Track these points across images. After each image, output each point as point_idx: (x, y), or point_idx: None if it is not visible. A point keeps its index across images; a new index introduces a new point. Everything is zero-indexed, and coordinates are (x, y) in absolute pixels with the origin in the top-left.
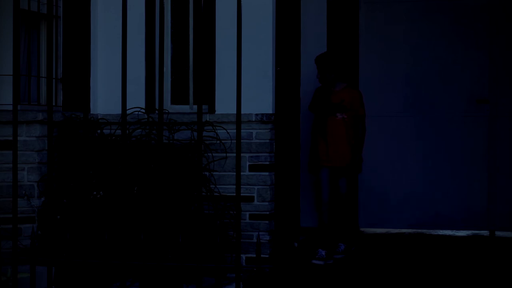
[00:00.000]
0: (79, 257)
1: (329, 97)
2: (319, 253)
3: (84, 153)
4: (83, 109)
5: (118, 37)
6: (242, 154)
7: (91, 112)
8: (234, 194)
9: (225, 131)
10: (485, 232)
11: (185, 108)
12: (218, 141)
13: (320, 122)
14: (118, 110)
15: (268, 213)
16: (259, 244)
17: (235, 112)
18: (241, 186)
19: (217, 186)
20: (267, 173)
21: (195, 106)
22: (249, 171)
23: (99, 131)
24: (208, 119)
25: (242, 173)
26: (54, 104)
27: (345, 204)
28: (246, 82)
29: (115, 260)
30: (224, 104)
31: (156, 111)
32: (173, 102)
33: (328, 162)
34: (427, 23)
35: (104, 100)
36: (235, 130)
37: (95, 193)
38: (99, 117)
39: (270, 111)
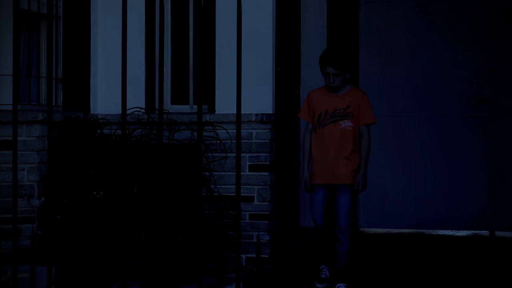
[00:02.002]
0: (79, 257)
1: (332, 102)
2: (322, 271)
3: (84, 153)
4: (83, 109)
5: (118, 37)
6: (242, 154)
7: (91, 112)
8: (234, 194)
9: (225, 131)
10: (485, 232)
11: (185, 108)
12: (218, 141)
13: (319, 132)
14: (118, 110)
15: (268, 213)
16: (259, 244)
17: (235, 112)
18: (241, 186)
19: (217, 186)
20: (267, 173)
21: (195, 106)
22: (249, 171)
23: (99, 131)
24: (208, 119)
25: (242, 173)
26: (54, 104)
27: (345, 229)
28: (246, 82)
29: (115, 260)
30: (224, 104)
31: (156, 111)
32: (173, 102)
33: (326, 179)
34: (427, 23)
35: (104, 100)
36: (235, 130)
37: (95, 193)
38: (99, 117)
39: (270, 111)
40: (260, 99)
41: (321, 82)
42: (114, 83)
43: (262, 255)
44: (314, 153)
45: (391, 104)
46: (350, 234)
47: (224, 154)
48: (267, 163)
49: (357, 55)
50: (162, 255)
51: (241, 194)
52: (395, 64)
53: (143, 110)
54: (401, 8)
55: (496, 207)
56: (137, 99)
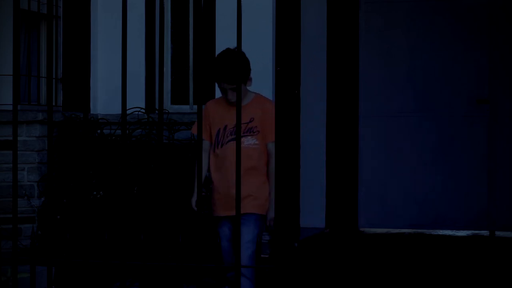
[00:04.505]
0: (79, 257)
1: (233, 115)
2: None
3: (84, 153)
4: (83, 109)
5: (118, 37)
6: None
7: (91, 112)
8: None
9: None
10: (485, 232)
11: (185, 108)
12: None
13: (218, 153)
14: (118, 110)
15: None
16: (259, 244)
17: None
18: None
19: None
20: None
21: (195, 106)
22: None
23: (99, 131)
24: None
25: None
26: (54, 104)
27: (248, 271)
28: None
29: (115, 260)
30: None
31: (156, 111)
32: (173, 102)
33: (229, 210)
34: (427, 23)
35: (104, 100)
36: None
37: (95, 193)
38: (99, 117)
39: None
40: None
41: (321, 83)
42: (114, 83)
43: (262, 255)
44: (214, 178)
45: (391, 104)
46: (255, 278)
47: None
48: None
49: (357, 55)
50: (162, 255)
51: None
52: (395, 64)
53: (143, 110)
54: (401, 8)
55: (496, 207)
56: (137, 99)
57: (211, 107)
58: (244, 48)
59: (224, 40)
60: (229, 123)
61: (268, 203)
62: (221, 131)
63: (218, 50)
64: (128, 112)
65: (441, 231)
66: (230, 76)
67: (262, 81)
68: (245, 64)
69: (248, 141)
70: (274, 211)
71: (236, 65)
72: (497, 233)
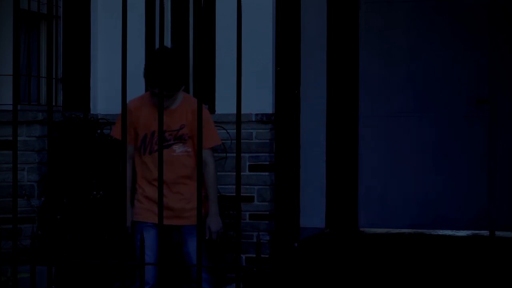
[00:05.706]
0: (79, 257)
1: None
2: None
3: (84, 153)
4: (83, 109)
5: (118, 37)
6: (242, 154)
7: (91, 112)
8: (234, 194)
9: (225, 131)
10: (485, 232)
11: None
12: None
13: (146, 160)
14: (118, 110)
15: (268, 213)
16: (259, 244)
17: (235, 112)
18: (241, 186)
19: (217, 186)
20: (267, 173)
21: None
22: (249, 171)
23: (99, 131)
24: None
25: (242, 173)
26: (54, 104)
27: None
28: (246, 82)
29: (115, 260)
30: (224, 104)
31: None
32: None
33: (167, 219)
34: (427, 23)
35: (104, 100)
36: (235, 130)
37: (95, 193)
38: (99, 117)
39: (270, 111)
40: (260, 99)
41: (321, 83)
42: (114, 83)
43: (262, 255)
44: (141, 183)
45: (391, 104)
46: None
47: (224, 154)
48: (267, 163)
49: (357, 55)
50: (162, 255)
51: (241, 194)
52: (395, 64)
53: None
54: (401, 8)
55: (496, 207)
56: None
57: (136, 108)
58: (244, 48)
59: (224, 40)
60: (156, 129)
61: (206, 212)
62: (148, 137)
63: (218, 50)
64: None
65: (441, 231)
66: (166, 82)
67: (262, 81)
68: (181, 69)
69: (180, 149)
70: (216, 224)
71: (172, 70)
72: (497, 233)
